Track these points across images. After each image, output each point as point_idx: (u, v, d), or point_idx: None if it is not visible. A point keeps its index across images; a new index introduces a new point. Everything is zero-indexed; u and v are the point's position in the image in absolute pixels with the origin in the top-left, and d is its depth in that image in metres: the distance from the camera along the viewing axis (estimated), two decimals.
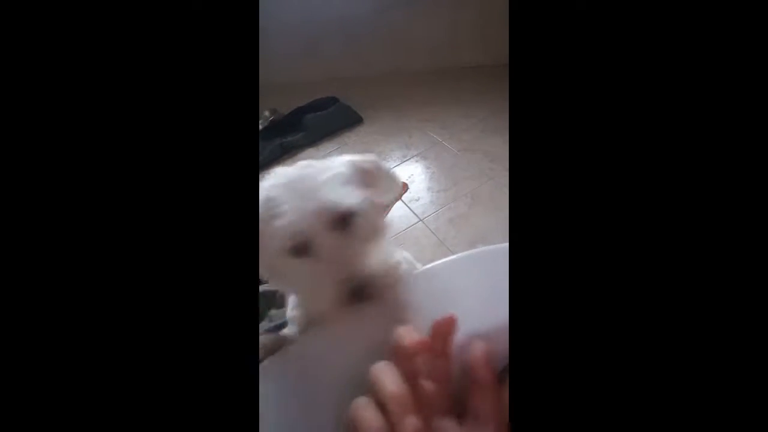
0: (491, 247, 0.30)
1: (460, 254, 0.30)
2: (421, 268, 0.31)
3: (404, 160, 1.54)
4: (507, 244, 0.29)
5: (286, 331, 0.47)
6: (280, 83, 1.97)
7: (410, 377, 0.24)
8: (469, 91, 1.79)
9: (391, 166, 1.52)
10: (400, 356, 0.25)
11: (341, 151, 1.64)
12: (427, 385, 0.24)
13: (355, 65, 2.02)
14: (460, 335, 0.26)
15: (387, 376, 0.24)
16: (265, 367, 0.28)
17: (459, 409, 0.25)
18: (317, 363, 0.28)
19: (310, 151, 1.69)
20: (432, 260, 0.31)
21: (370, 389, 0.24)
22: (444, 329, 0.24)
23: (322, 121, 1.73)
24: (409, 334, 0.25)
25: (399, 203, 1.37)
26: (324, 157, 0.47)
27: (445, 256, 0.31)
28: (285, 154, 1.69)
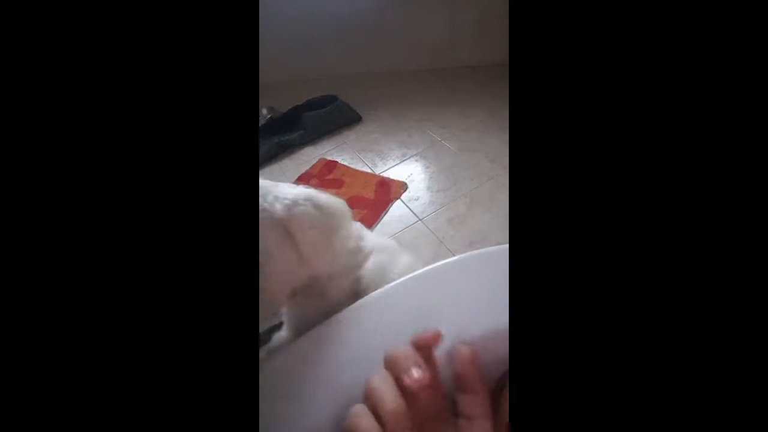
0: (483, 250, 0.29)
1: (451, 258, 0.30)
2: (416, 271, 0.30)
3: (403, 159, 1.53)
4: (497, 247, 0.28)
5: (281, 333, 0.47)
6: (279, 81, 1.96)
7: (405, 387, 0.24)
8: (468, 90, 1.78)
9: (391, 165, 1.51)
10: (393, 367, 0.25)
11: (340, 150, 1.63)
12: (422, 395, 0.24)
13: (354, 63, 2.01)
14: (449, 341, 0.26)
15: (385, 390, 0.24)
16: (261, 369, 0.27)
17: (453, 412, 0.25)
18: (313, 366, 0.27)
19: (308, 149, 1.67)
20: (431, 260, 0.30)
21: (368, 399, 0.24)
22: (427, 343, 0.25)
23: (320, 120, 1.71)
24: (400, 349, 0.25)
25: (398, 203, 1.36)
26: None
27: (445, 255, 0.30)
28: (283, 152, 1.68)
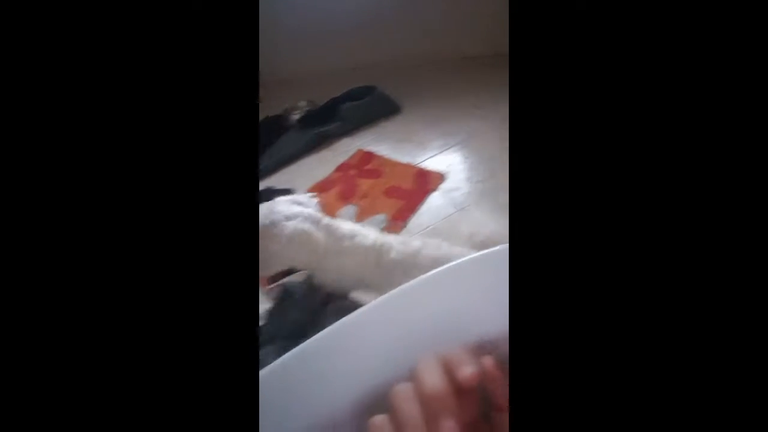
0: (499, 248, 0.28)
1: (474, 254, 0.29)
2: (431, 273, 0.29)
3: (443, 149, 1.50)
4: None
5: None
6: (316, 73, 1.98)
7: (431, 402, 0.23)
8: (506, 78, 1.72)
9: (430, 155, 1.49)
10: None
11: (378, 141, 1.63)
12: (468, 394, 0.23)
13: (392, 52, 1.99)
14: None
15: (406, 405, 0.23)
16: (283, 363, 0.27)
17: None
18: (337, 366, 0.27)
19: (346, 140, 1.68)
20: (470, 251, 0.29)
21: (390, 409, 0.23)
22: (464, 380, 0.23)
23: (358, 111, 1.71)
24: (430, 374, 0.23)
25: (437, 193, 1.34)
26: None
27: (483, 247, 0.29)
28: (321, 143, 1.70)
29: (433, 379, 0.22)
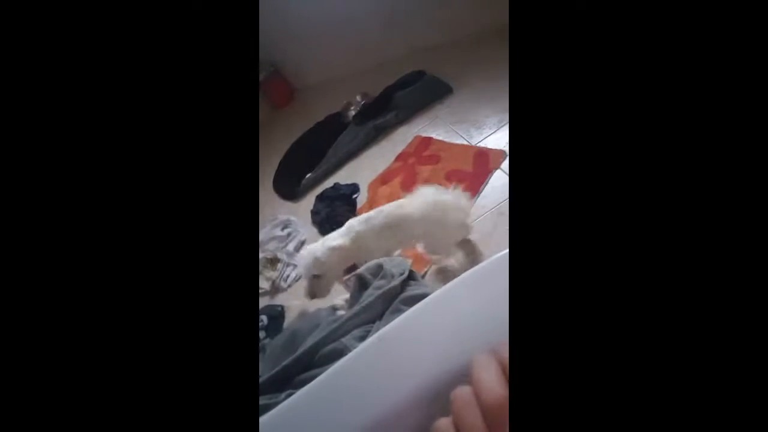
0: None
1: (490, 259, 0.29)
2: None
3: (501, 125, 1.46)
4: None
5: None
6: (369, 67, 2.00)
7: (492, 409, 0.22)
8: None
9: (488, 133, 1.45)
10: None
11: (434, 125, 1.62)
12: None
13: (437, 32, 1.95)
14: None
15: (466, 413, 0.22)
16: (356, 356, 0.29)
17: None
18: (398, 361, 0.28)
19: (403, 128, 1.69)
20: None
21: (451, 414, 0.23)
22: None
23: (411, 97, 1.72)
24: (488, 378, 0.22)
25: (499, 172, 1.31)
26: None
27: None
28: (379, 135, 1.73)
29: (492, 384, 0.22)
